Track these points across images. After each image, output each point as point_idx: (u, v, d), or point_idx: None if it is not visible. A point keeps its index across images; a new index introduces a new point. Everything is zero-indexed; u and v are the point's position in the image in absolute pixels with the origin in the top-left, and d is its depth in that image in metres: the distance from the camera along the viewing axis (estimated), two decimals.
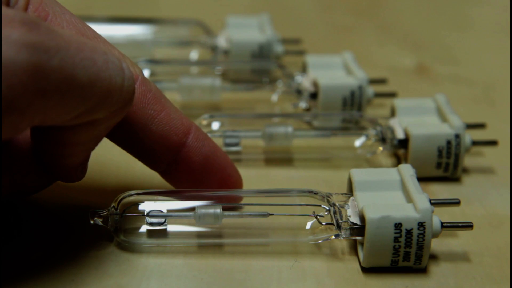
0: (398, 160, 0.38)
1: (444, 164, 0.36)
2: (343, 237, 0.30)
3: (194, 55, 0.49)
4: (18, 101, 0.23)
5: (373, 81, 0.43)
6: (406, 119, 0.37)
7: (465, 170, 0.37)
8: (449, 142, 0.35)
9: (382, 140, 0.37)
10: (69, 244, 0.30)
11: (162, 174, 0.31)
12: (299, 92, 0.42)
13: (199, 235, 0.30)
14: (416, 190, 0.30)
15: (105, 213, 0.29)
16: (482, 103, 0.46)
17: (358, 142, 0.37)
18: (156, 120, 0.30)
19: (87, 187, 0.34)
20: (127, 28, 0.49)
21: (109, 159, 0.35)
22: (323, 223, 0.30)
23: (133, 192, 0.30)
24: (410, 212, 0.29)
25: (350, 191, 0.31)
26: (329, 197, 0.30)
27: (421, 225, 0.28)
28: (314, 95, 0.41)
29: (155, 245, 0.30)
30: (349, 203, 0.30)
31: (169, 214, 0.30)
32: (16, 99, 0.23)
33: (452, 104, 0.38)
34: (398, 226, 0.28)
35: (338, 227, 0.30)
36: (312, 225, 0.30)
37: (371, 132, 0.37)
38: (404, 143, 0.36)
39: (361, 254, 0.29)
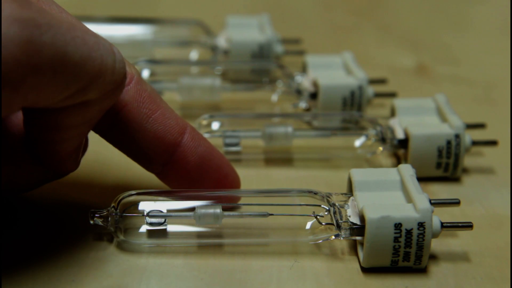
0: (398, 160, 0.38)
1: (444, 164, 0.36)
2: (343, 237, 0.30)
3: (194, 55, 0.49)
4: (11, 76, 0.23)
5: (373, 81, 0.43)
6: (406, 119, 0.37)
7: (465, 170, 0.37)
8: (449, 142, 0.35)
9: (382, 140, 0.37)
10: (69, 244, 0.30)
11: (158, 175, 0.31)
12: (299, 92, 0.42)
13: (199, 235, 0.30)
14: (416, 190, 0.30)
15: (105, 213, 0.29)
16: (482, 103, 0.46)
17: (358, 142, 0.37)
18: (151, 119, 0.30)
19: (87, 187, 0.34)
20: (127, 28, 0.49)
21: (109, 159, 0.35)
22: (323, 223, 0.30)
23: (133, 192, 0.30)
24: (410, 212, 0.29)
25: (350, 191, 0.31)
26: (329, 197, 0.30)
27: (421, 225, 0.28)
28: (314, 95, 0.41)
29: (155, 245, 0.30)
30: (349, 203, 0.30)
31: (169, 214, 0.30)
32: (9, 74, 0.23)
33: (452, 104, 0.38)
34: (398, 226, 0.28)
35: (338, 227, 0.30)
36: (312, 225, 0.30)
37: (371, 132, 0.37)
38: (404, 143, 0.36)
39: (361, 254, 0.29)
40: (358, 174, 0.31)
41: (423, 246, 0.29)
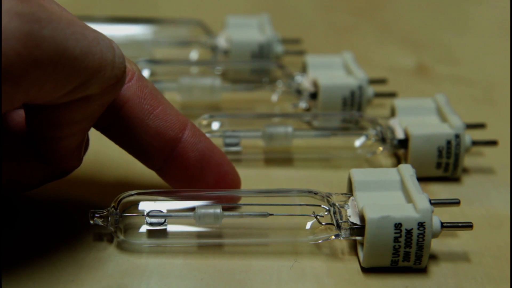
0: (398, 160, 0.38)
1: (444, 164, 0.36)
2: (343, 237, 0.30)
3: (194, 55, 0.49)
4: (12, 70, 0.23)
5: (373, 81, 0.43)
6: (406, 119, 0.37)
7: (465, 170, 0.37)
8: (449, 142, 0.35)
9: (382, 140, 0.37)
10: (69, 244, 0.30)
11: (159, 172, 0.31)
12: (299, 92, 0.42)
13: (199, 235, 0.30)
14: (416, 190, 0.30)
15: (105, 213, 0.29)
16: (482, 103, 0.46)
17: (358, 142, 0.37)
18: (152, 115, 0.30)
19: (87, 186, 0.34)
20: (127, 28, 0.49)
21: (109, 158, 0.35)
22: (323, 223, 0.30)
23: (133, 192, 0.30)
24: (410, 212, 0.29)
25: (350, 191, 0.31)
26: (329, 197, 0.30)
27: (421, 225, 0.28)
28: (314, 95, 0.41)
29: (155, 245, 0.30)
30: (349, 203, 0.30)
31: (169, 214, 0.30)
32: (10, 68, 0.23)
33: (452, 104, 0.38)
34: (398, 226, 0.28)
35: (338, 227, 0.30)
36: (312, 225, 0.30)
37: (371, 132, 0.37)
38: (404, 143, 0.36)
39: (361, 254, 0.29)
40: (358, 174, 0.31)
41: (423, 246, 0.29)
